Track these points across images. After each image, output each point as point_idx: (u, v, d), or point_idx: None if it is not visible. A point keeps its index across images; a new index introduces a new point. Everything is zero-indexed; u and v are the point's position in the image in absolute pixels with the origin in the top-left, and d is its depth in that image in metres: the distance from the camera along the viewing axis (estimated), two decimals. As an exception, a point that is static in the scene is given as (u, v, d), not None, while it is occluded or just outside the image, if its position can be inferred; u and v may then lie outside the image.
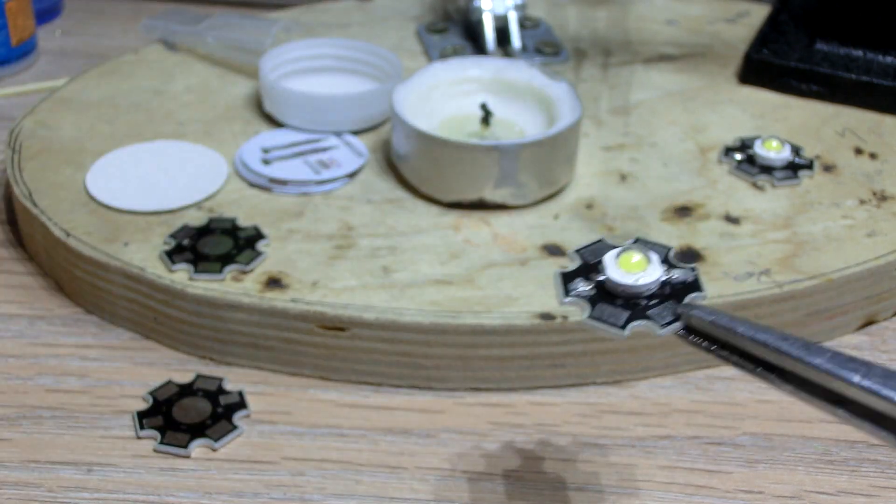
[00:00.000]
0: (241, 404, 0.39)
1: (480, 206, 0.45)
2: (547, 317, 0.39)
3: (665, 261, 0.29)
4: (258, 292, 0.40)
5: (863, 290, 0.42)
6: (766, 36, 0.56)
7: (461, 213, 0.45)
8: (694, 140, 0.50)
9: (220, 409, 0.38)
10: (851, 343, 0.43)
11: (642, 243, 0.29)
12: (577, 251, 0.29)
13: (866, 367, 0.23)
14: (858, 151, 0.49)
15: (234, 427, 0.38)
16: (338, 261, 0.42)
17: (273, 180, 0.46)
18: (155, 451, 0.37)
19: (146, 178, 0.46)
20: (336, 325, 0.39)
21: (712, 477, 0.37)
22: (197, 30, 0.56)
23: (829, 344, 0.43)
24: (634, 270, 0.28)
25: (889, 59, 0.54)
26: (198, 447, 0.37)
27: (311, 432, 0.38)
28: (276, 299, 0.39)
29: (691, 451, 0.38)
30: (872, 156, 0.49)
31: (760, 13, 0.62)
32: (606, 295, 0.28)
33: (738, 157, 0.48)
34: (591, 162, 0.48)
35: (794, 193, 0.46)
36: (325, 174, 0.46)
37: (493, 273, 0.41)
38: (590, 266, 0.29)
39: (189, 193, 0.45)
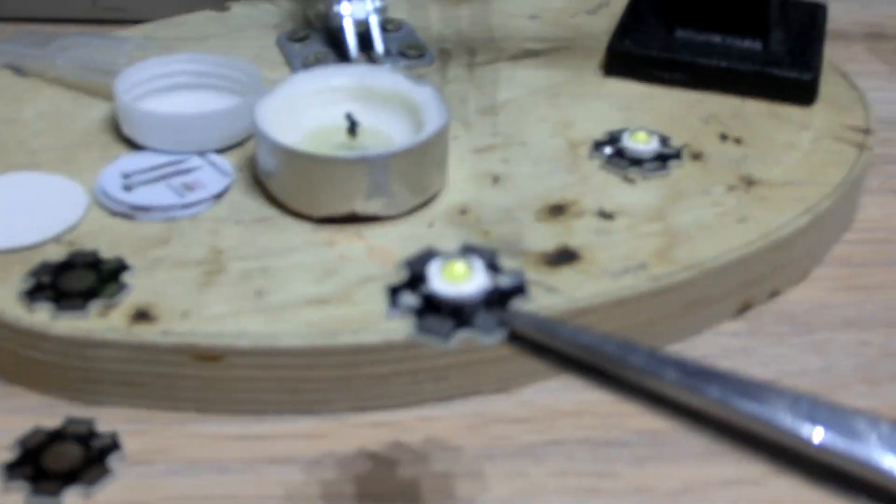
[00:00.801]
0: (114, 446, 0.37)
1: (353, 219, 0.44)
2: (427, 330, 0.38)
3: (491, 265, 0.28)
4: (126, 327, 0.38)
5: (737, 277, 0.43)
6: (627, 26, 0.57)
7: (334, 227, 0.43)
8: (563, 136, 0.50)
9: (92, 453, 0.37)
10: (730, 329, 0.43)
11: (468, 250, 0.29)
12: (406, 262, 0.29)
13: (681, 364, 0.24)
14: (724, 137, 0.50)
15: (109, 471, 0.36)
16: (208, 287, 0.40)
17: (135, 207, 0.44)
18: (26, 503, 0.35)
19: (-1, 214, 0.44)
20: (210, 356, 0.38)
21: (603, 479, 0.36)
22: (46, 52, 0.54)
23: (708, 332, 0.43)
24: (458, 280, 0.27)
25: (747, 43, 0.54)
26: (71, 496, 0.35)
27: (192, 469, 0.37)
28: (146, 333, 0.38)
29: (580, 455, 0.37)
30: (737, 141, 0.50)
31: (620, 3, 0.63)
32: (433, 306, 0.28)
33: (608, 150, 0.48)
34: (463, 165, 0.48)
35: (665, 184, 0.47)
36: (190, 197, 0.45)
37: (370, 288, 0.40)
38: (418, 277, 0.28)
39: (47, 227, 0.43)
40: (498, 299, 0.28)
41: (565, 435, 0.38)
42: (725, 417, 0.23)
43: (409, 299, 0.28)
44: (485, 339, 0.27)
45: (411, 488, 0.36)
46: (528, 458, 0.37)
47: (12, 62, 0.55)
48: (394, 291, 0.28)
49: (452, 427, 0.39)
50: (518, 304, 0.28)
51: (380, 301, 0.39)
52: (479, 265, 0.28)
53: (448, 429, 0.38)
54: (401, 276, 0.28)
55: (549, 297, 0.40)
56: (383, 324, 0.38)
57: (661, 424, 0.38)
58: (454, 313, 0.27)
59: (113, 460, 0.37)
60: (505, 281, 0.28)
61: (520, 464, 0.37)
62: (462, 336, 0.27)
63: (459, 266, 0.28)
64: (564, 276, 0.41)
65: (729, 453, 0.37)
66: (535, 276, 0.41)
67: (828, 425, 0.22)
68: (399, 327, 0.38)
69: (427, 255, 0.29)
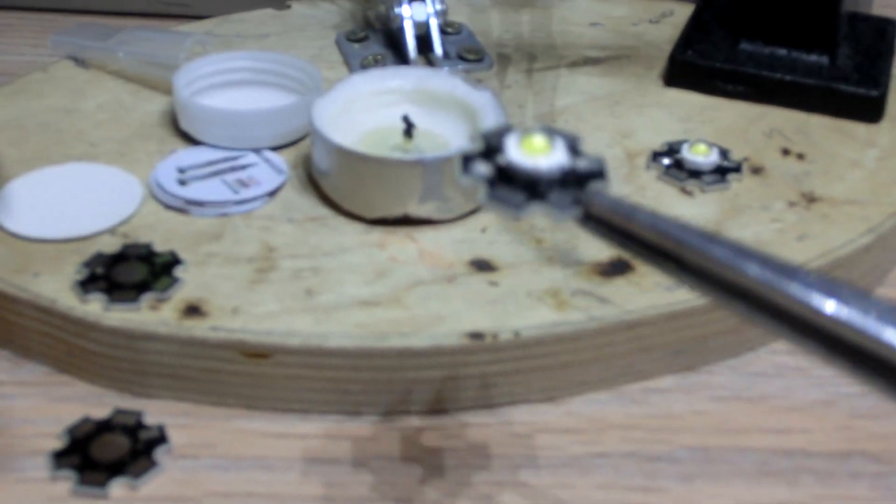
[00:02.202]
0: (161, 439, 0.37)
1: (405, 221, 0.43)
2: (476, 336, 0.38)
3: (572, 149, 0.27)
4: (176, 321, 0.38)
5: (795, 295, 0.42)
6: (691, 36, 0.56)
7: (386, 229, 0.43)
8: (621, 145, 0.49)
9: (139, 445, 0.37)
10: (785, 348, 0.42)
11: (550, 129, 0.27)
12: (482, 133, 0.27)
13: (763, 259, 0.23)
14: (786, 152, 0.49)
15: (155, 463, 0.36)
16: (259, 285, 0.40)
17: (190, 202, 0.44)
18: (72, 492, 0.35)
19: (56, 204, 0.44)
20: (259, 353, 0.38)
21: (650, 494, 0.36)
22: (107, 45, 0.54)
23: (763, 349, 0.42)
24: (536, 153, 0.26)
25: (813, 57, 0.53)
26: (117, 487, 0.35)
27: (236, 465, 0.37)
28: (196, 328, 0.38)
29: (628, 468, 0.37)
30: (800, 156, 0.49)
31: (684, 13, 0.62)
32: (506, 178, 0.26)
33: (666, 161, 0.48)
34: (518, 171, 0.47)
35: (724, 198, 0.46)
36: (245, 193, 0.45)
37: (421, 291, 0.40)
38: (493, 149, 0.27)
39: (102, 218, 0.43)
40: (575, 180, 0.26)
41: (613, 448, 0.38)
42: (805, 316, 0.22)
43: (482, 167, 0.26)
44: (558, 215, 0.25)
45: (453, 495, 0.36)
46: (574, 469, 0.37)
47: (74, 54, 0.55)
48: (466, 160, 0.27)
49: (498, 435, 0.38)
50: (595, 186, 0.26)
51: (430, 304, 0.39)
52: (559, 143, 0.26)
53: (494, 436, 0.38)
54: (475, 146, 0.27)
55: (602, 307, 0.39)
56: (433, 327, 0.38)
57: (711, 440, 0.38)
58: (528, 186, 0.26)
59: (159, 453, 0.37)
60: (584, 164, 0.26)
61: (565, 475, 0.36)
62: (534, 208, 0.25)
63: (539, 139, 0.26)
64: (618, 287, 0.40)
65: (780, 475, 0.36)
66: (588, 286, 0.40)
67: None
68: (450, 332, 0.38)
69: (505, 129, 0.27)
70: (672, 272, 0.24)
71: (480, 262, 0.42)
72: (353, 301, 0.39)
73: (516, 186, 0.26)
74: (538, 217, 0.25)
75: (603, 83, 0.55)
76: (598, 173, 0.26)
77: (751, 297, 0.23)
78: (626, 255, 0.26)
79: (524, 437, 0.38)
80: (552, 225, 0.44)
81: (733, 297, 0.23)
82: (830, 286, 0.22)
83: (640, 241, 0.25)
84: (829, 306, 0.22)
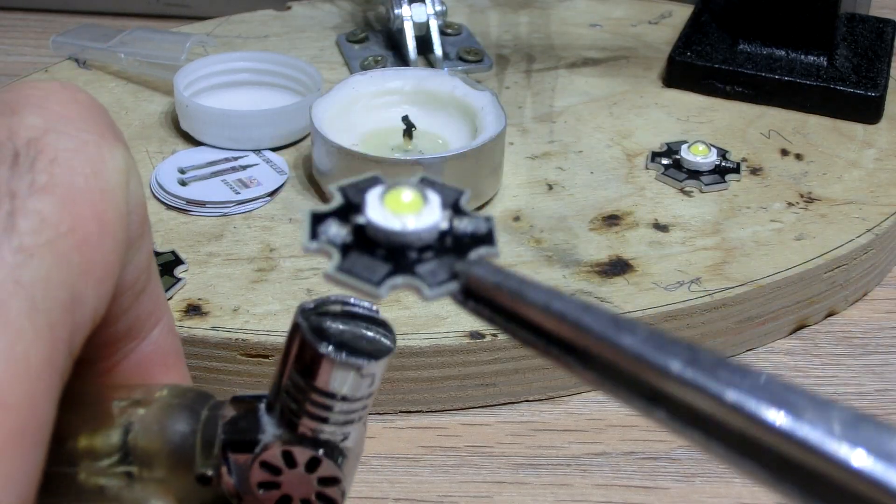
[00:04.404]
0: (162, 438, 0.37)
1: (405, 221, 0.43)
2: (476, 335, 0.38)
3: (452, 206, 0.21)
4: (177, 320, 0.38)
5: (793, 295, 0.42)
6: (689, 37, 0.56)
7: (386, 229, 0.43)
8: (620, 146, 0.50)
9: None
10: (784, 348, 0.43)
11: (426, 182, 0.21)
12: (340, 187, 0.21)
13: (691, 353, 0.17)
14: (784, 153, 0.49)
15: (156, 463, 0.36)
16: (260, 284, 0.40)
17: (191, 202, 0.44)
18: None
19: (57, 204, 0.44)
20: (259, 353, 0.38)
21: (649, 493, 0.36)
22: (109, 46, 0.54)
23: (761, 350, 0.42)
24: (404, 212, 0.20)
25: (811, 58, 0.53)
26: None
27: (237, 465, 0.37)
28: (196, 327, 0.38)
29: (627, 468, 0.37)
30: (798, 157, 0.49)
31: (683, 14, 0.62)
32: (366, 243, 0.20)
33: (665, 162, 0.48)
34: (518, 172, 0.47)
35: (722, 198, 0.46)
36: (245, 193, 0.45)
37: (421, 291, 0.40)
38: (352, 206, 0.21)
39: (103, 218, 0.43)
40: (454, 246, 0.21)
41: (612, 447, 0.38)
42: (751, 433, 0.16)
43: (335, 229, 0.20)
44: (428, 291, 0.20)
45: (454, 494, 0.36)
46: (574, 468, 0.37)
47: (76, 55, 0.56)
48: (317, 220, 0.21)
49: (497, 434, 0.38)
50: (480, 255, 0.20)
51: (430, 305, 0.39)
52: (434, 199, 0.21)
53: (493, 435, 0.38)
54: (333, 202, 0.21)
55: (601, 307, 0.39)
56: (433, 327, 0.38)
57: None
58: (392, 254, 0.20)
59: (159, 452, 0.37)
60: (467, 225, 0.21)
61: (564, 474, 0.37)
62: (399, 283, 0.20)
63: (408, 193, 0.20)
64: (617, 287, 0.40)
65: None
66: (588, 286, 0.40)
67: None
68: (449, 332, 0.38)
69: (371, 181, 0.21)
70: (573, 367, 0.19)
71: (480, 262, 0.42)
72: (353, 301, 0.39)
73: (377, 256, 0.20)
74: (402, 292, 0.20)
75: (602, 84, 0.55)
76: (483, 237, 0.21)
77: (675, 403, 0.17)
78: (517, 341, 0.19)
79: (524, 437, 0.38)
80: (551, 226, 0.44)
81: (653, 402, 0.18)
82: (782, 391, 0.16)
83: (530, 327, 0.19)
84: (779, 418, 0.16)
